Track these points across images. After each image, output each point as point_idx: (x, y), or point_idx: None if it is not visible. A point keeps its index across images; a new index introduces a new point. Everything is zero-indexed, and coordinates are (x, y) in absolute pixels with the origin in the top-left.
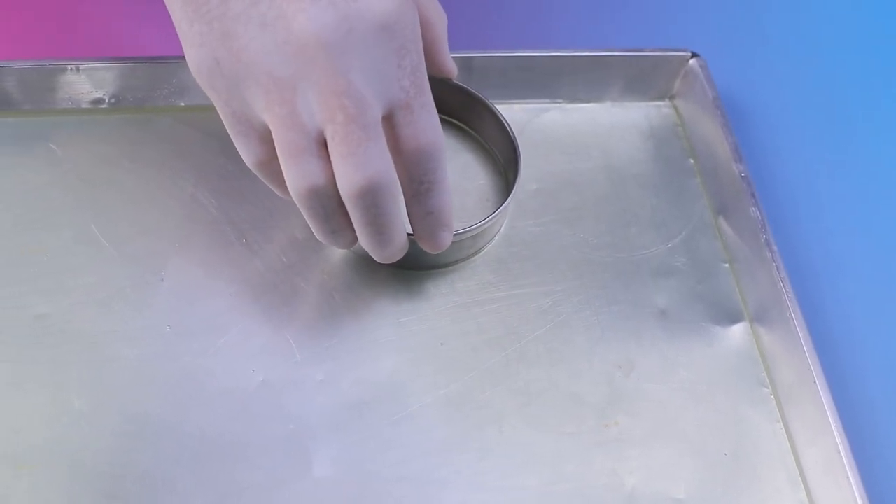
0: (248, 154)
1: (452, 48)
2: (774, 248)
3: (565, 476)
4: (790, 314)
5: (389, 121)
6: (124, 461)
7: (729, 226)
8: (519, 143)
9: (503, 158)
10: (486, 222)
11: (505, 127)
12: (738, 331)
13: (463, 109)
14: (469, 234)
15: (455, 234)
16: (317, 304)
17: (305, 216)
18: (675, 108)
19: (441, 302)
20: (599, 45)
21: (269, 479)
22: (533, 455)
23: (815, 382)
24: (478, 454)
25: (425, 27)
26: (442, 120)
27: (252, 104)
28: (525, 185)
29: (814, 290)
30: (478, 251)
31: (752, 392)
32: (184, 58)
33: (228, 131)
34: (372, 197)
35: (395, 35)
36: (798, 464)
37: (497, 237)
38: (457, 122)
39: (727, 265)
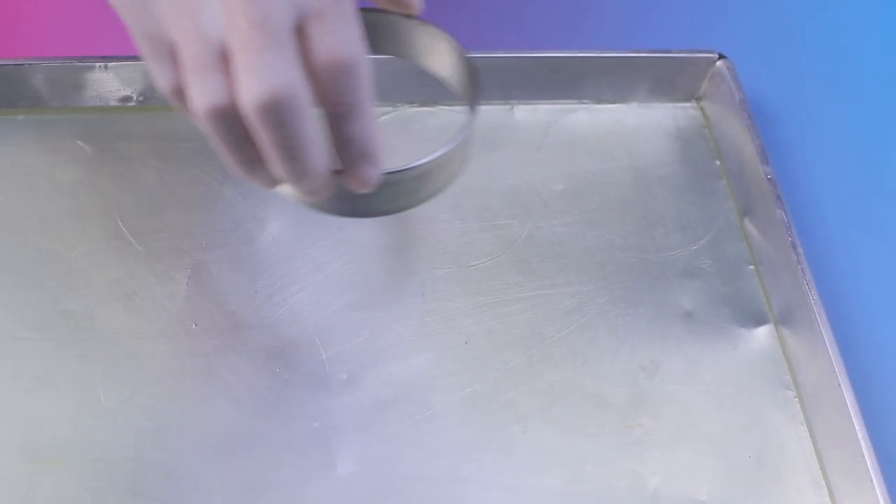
0: (160, 78)
1: (479, 47)
2: (800, 250)
3: (587, 477)
4: (815, 317)
5: (302, 33)
6: (149, 457)
7: (754, 228)
8: (481, 76)
9: (466, 94)
10: (434, 159)
11: (466, 60)
12: (763, 333)
13: (425, 50)
14: (413, 173)
15: (395, 173)
16: (342, 303)
17: (215, 145)
18: (702, 109)
19: (465, 301)
20: (626, 46)
21: (293, 476)
22: (555, 455)
23: (839, 385)
24: (500, 454)
25: None
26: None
27: (161, 22)
28: (551, 186)
29: (838, 292)
30: (432, 195)
31: (776, 394)
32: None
33: (143, 57)
34: (276, 114)
35: None
36: (821, 466)
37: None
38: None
39: (752, 267)
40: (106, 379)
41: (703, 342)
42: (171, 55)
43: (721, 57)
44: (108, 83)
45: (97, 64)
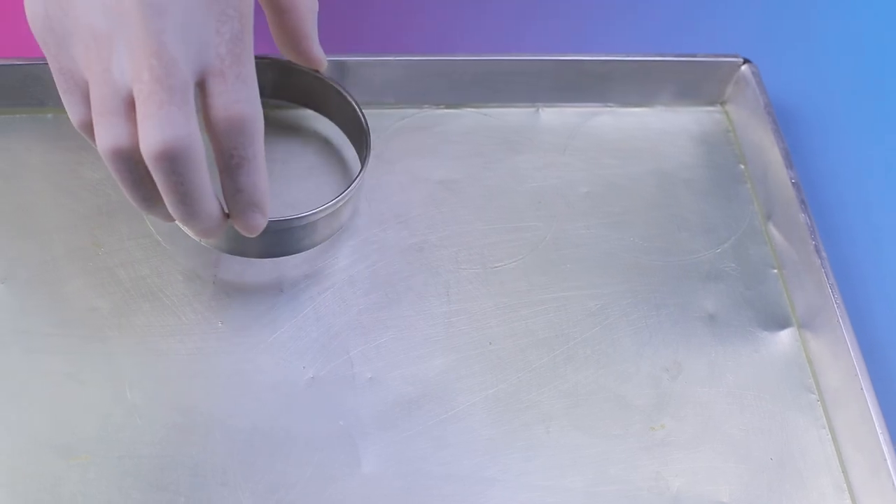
0: (72, 112)
1: (504, 49)
2: (823, 254)
3: (611, 478)
4: (838, 320)
5: (203, 89)
6: (175, 453)
7: (778, 231)
8: (370, 128)
9: (358, 149)
10: (320, 210)
11: (360, 116)
12: (786, 336)
13: (321, 99)
14: (299, 223)
15: (281, 221)
16: (368, 302)
17: (116, 181)
18: (727, 113)
19: (489, 302)
20: (651, 50)
21: (318, 474)
22: (579, 456)
23: (861, 388)
24: (525, 454)
25: (287, 11)
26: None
27: (77, 60)
28: (576, 188)
29: (862, 296)
30: (317, 242)
31: (799, 397)
32: None
33: (58, 88)
34: (170, 162)
35: (218, 0)
36: (843, 469)
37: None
38: (315, 111)
39: (776, 271)
40: (133, 375)
41: (725, 345)
42: (83, 92)
43: (746, 61)
44: None
45: None
